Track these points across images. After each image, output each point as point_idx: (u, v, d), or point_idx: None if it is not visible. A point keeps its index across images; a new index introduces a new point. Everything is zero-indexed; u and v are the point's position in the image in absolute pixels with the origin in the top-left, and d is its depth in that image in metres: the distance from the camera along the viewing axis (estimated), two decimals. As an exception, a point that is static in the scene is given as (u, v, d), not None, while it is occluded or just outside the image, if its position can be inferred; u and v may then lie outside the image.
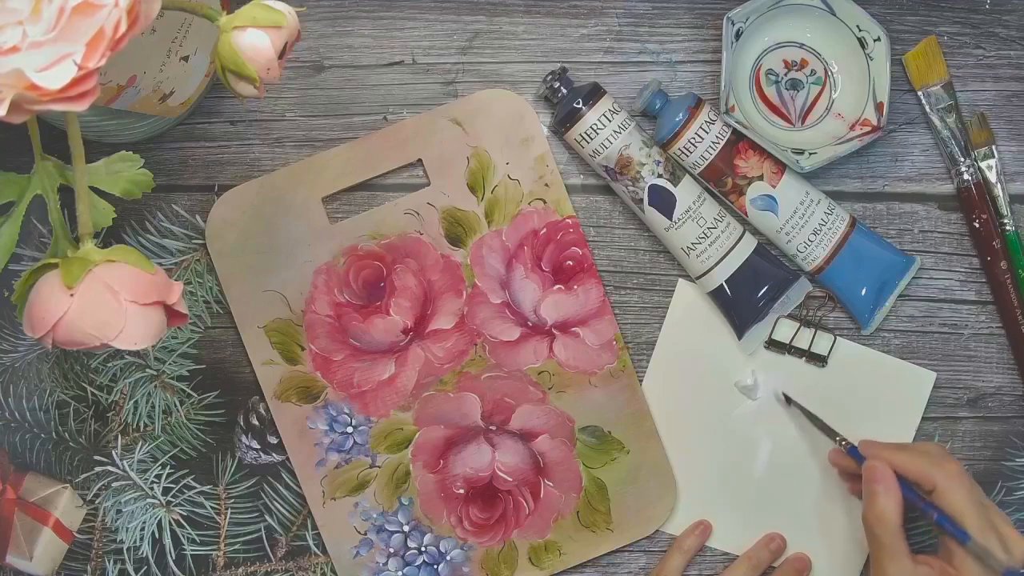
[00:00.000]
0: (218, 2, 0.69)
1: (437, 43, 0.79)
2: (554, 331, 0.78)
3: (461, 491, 0.78)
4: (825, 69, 0.78)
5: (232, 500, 0.78)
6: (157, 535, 0.77)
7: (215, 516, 0.77)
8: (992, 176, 0.78)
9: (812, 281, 0.78)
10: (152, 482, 0.75)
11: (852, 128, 0.76)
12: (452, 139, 0.77)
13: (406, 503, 0.78)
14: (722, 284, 0.76)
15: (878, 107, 0.75)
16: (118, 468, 0.75)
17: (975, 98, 0.79)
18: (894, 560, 0.67)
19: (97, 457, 0.75)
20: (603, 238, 0.79)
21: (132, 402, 0.76)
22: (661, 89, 0.77)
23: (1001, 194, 0.78)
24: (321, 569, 0.77)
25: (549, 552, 0.78)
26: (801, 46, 0.78)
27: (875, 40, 0.75)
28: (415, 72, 0.79)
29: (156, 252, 0.76)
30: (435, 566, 0.78)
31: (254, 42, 0.55)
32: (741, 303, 0.76)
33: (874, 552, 0.69)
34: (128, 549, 0.77)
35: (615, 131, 0.74)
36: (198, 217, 0.77)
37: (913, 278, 0.78)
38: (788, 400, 0.77)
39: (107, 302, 0.54)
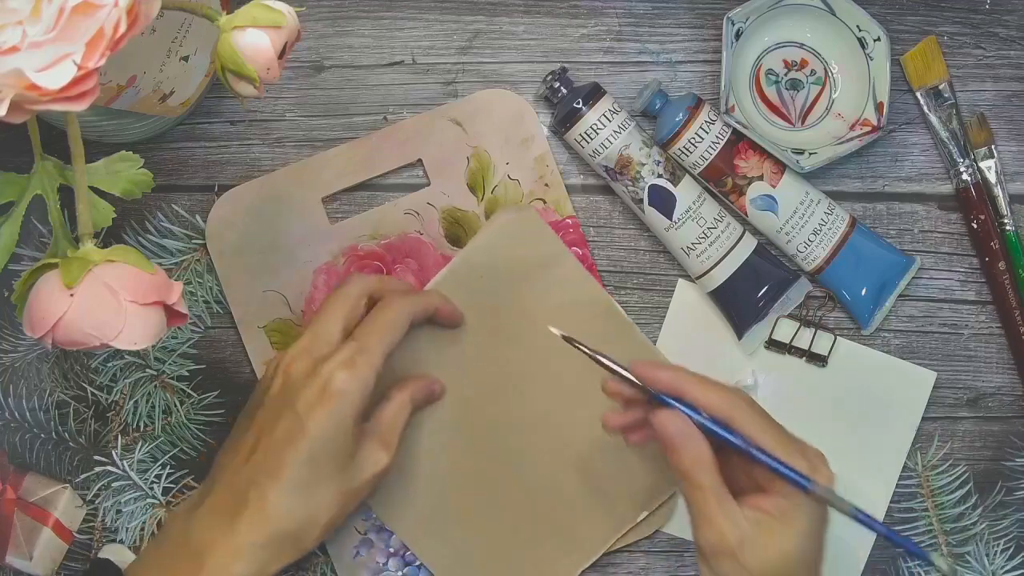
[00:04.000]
0: (218, 2, 0.69)
1: (437, 43, 0.79)
2: (554, 331, 0.78)
3: (461, 491, 0.78)
4: (825, 69, 0.78)
5: (232, 500, 0.77)
6: (157, 535, 0.77)
7: (215, 516, 0.77)
8: (991, 176, 0.78)
9: (812, 281, 0.78)
10: (152, 482, 0.75)
11: (852, 128, 0.76)
12: (452, 139, 0.77)
13: (406, 503, 0.77)
14: (722, 284, 0.75)
15: (878, 107, 0.75)
16: (118, 468, 0.74)
17: (975, 98, 0.79)
18: (723, 504, 0.61)
19: (97, 457, 0.75)
20: (603, 238, 0.79)
21: (132, 402, 0.76)
22: (661, 89, 0.77)
23: (1001, 194, 0.78)
24: (321, 569, 0.76)
25: (549, 552, 0.78)
26: (801, 46, 0.78)
27: (875, 40, 0.75)
28: (415, 72, 0.79)
29: (156, 252, 0.76)
30: (435, 566, 0.77)
31: (254, 42, 0.56)
32: (741, 303, 0.76)
33: (697, 501, 0.62)
34: (128, 549, 0.77)
35: (615, 131, 0.74)
36: (198, 217, 0.77)
37: (913, 278, 0.78)
38: (566, 339, 0.66)
39: (107, 302, 0.54)
